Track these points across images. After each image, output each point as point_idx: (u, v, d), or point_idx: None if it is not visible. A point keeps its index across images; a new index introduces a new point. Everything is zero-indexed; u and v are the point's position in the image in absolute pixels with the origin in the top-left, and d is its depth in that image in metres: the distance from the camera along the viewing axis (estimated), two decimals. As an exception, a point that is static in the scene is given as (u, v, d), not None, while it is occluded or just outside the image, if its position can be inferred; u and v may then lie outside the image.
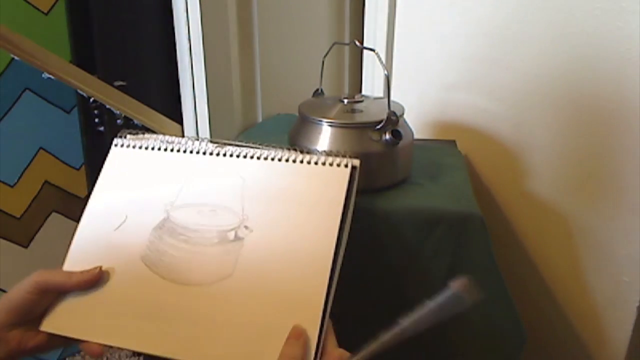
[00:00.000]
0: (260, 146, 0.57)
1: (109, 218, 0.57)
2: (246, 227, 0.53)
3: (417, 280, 0.67)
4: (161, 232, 0.54)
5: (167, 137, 0.60)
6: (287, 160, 0.55)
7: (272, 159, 0.56)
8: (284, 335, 0.47)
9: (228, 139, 0.90)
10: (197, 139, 0.59)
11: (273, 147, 0.57)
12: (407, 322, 0.46)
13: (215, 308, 0.50)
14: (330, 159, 0.54)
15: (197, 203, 0.55)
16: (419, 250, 0.65)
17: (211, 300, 0.50)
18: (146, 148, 0.60)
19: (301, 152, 0.56)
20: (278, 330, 0.47)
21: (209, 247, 0.53)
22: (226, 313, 0.49)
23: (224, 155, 0.57)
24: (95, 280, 0.53)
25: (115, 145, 0.61)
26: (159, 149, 0.59)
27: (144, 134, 0.61)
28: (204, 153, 0.58)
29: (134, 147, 0.60)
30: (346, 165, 0.54)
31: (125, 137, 0.61)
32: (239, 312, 0.49)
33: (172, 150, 0.59)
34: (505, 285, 0.66)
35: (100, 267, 0.53)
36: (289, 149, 0.56)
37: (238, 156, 0.57)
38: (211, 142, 0.59)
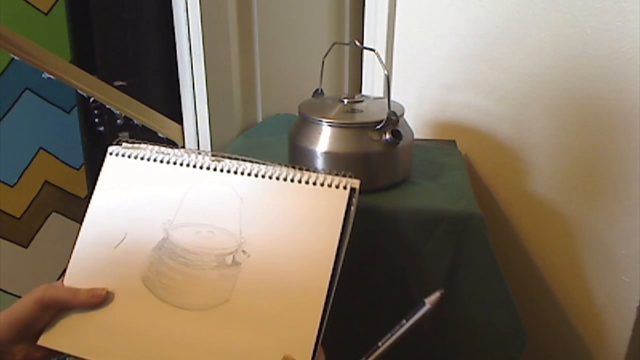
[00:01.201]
0: (259, 162, 0.56)
1: (107, 235, 0.56)
2: (244, 251, 0.52)
3: (417, 280, 0.67)
4: (161, 253, 0.54)
5: (162, 149, 0.59)
6: (285, 179, 0.54)
7: (270, 177, 0.54)
8: None
9: (227, 140, 0.90)
10: (194, 152, 0.58)
11: (271, 163, 0.56)
12: (387, 343, 0.49)
13: (212, 334, 0.50)
14: (329, 180, 0.53)
15: (195, 223, 0.55)
16: (419, 250, 0.65)
17: (208, 325, 0.50)
18: (142, 158, 0.59)
19: (300, 169, 0.54)
20: (274, 356, 0.47)
21: (207, 271, 0.52)
22: (222, 339, 0.49)
23: (222, 170, 0.56)
24: (101, 302, 0.53)
25: (111, 153, 0.60)
26: (155, 160, 0.58)
27: (139, 143, 0.60)
28: (201, 167, 0.57)
29: (129, 156, 0.59)
30: (345, 187, 0.52)
31: (120, 145, 0.60)
32: (234, 338, 0.49)
33: (168, 162, 0.58)
34: (506, 284, 0.66)
35: (107, 290, 0.53)
36: (287, 166, 0.55)
37: (236, 172, 0.55)
38: (208, 155, 0.57)
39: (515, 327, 0.67)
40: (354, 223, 0.52)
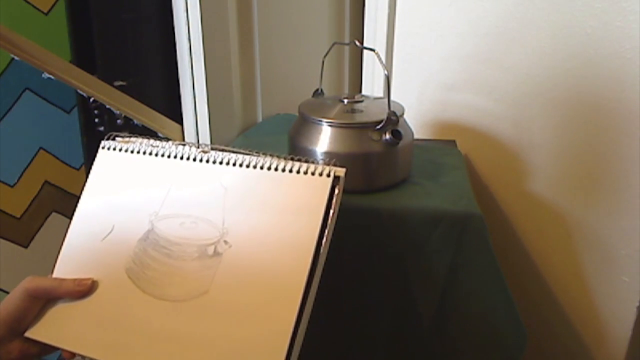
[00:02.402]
0: (245, 152, 0.56)
1: (96, 227, 0.57)
2: (225, 241, 0.52)
3: (418, 279, 0.67)
4: (145, 245, 0.54)
5: (153, 141, 0.60)
6: (269, 169, 0.54)
7: (255, 167, 0.54)
8: (256, 352, 0.47)
9: (227, 140, 0.90)
10: (183, 144, 0.58)
11: (257, 153, 0.55)
12: None
13: (190, 325, 0.50)
14: (312, 168, 0.52)
15: (180, 214, 0.55)
16: (419, 250, 0.65)
17: (187, 316, 0.50)
18: (132, 152, 0.59)
19: (284, 158, 0.54)
20: (251, 346, 0.47)
21: (189, 261, 0.52)
22: (201, 330, 0.49)
23: (207, 161, 0.56)
24: (87, 292, 0.53)
25: (103, 147, 0.61)
26: (144, 152, 0.59)
27: (130, 137, 0.61)
28: (188, 158, 0.57)
29: (120, 150, 0.60)
30: (328, 175, 0.51)
31: (113, 139, 0.61)
32: (213, 329, 0.49)
33: (157, 154, 0.58)
34: (506, 284, 0.66)
35: (92, 280, 0.54)
36: (271, 156, 0.55)
37: (221, 163, 0.56)
38: (196, 147, 0.58)
39: (515, 327, 0.67)
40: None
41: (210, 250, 0.52)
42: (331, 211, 0.50)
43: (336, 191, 0.51)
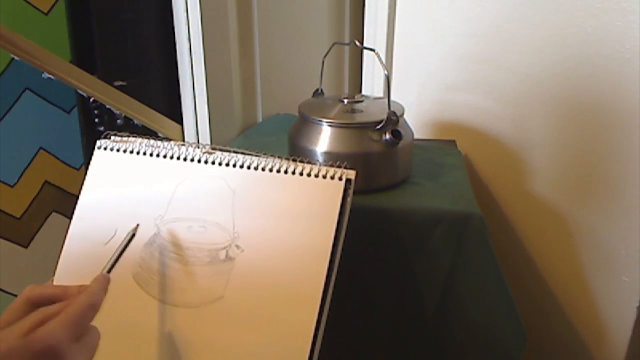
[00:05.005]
0: (251, 153, 0.54)
1: (98, 231, 0.55)
2: (237, 246, 0.51)
3: (417, 280, 0.67)
4: (152, 249, 0.53)
5: (152, 142, 0.58)
6: (278, 171, 0.52)
7: (263, 169, 0.53)
8: (277, 356, 0.47)
9: (227, 140, 0.90)
10: (185, 145, 0.56)
11: (264, 154, 0.54)
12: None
13: (206, 331, 0.49)
14: (324, 171, 0.51)
15: (186, 217, 0.53)
16: (419, 250, 0.65)
17: (202, 322, 0.49)
18: (131, 152, 0.57)
19: (294, 161, 0.53)
20: (271, 352, 0.47)
21: (200, 266, 0.51)
22: (217, 336, 0.49)
23: (213, 163, 0.54)
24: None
25: (99, 147, 0.58)
26: (144, 153, 0.57)
27: (128, 136, 0.59)
28: (192, 160, 0.55)
29: (118, 150, 0.58)
30: (340, 178, 0.51)
31: (109, 138, 0.59)
32: (229, 335, 0.48)
33: (158, 155, 0.56)
34: (506, 284, 0.66)
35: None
36: (280, 158, 0.53)
37: (227, 164, 0.54)
38: (199, 148, 0.56)
39: (515, 327, 0.67)
40: (350, 216, 0.50)
41: (222, 254, 0.51)
42: (345, 215, 0.50)
43: (348, 197, 0.50)
